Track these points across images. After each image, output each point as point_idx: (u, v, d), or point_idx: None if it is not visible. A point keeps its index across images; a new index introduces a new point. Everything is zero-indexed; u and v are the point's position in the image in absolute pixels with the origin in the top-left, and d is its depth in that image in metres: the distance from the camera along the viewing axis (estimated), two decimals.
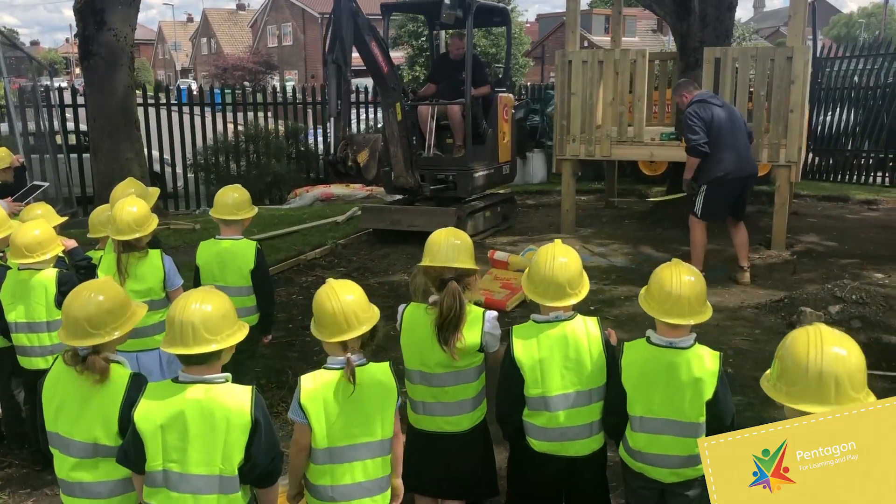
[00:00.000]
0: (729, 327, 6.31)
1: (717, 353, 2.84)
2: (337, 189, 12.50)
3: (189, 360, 2.56)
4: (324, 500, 2.81)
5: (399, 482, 2.99)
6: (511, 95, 10.28)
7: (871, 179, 13.24)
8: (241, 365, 4.65)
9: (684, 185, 7.48)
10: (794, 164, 8.32)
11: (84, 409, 2.70)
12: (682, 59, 9.91)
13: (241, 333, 2.63)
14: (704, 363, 2.78)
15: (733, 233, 7.53)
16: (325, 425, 2.73)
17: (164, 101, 13.84)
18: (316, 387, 2.74)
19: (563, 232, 9.50)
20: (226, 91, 15.76)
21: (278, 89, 15.44)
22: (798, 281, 7.43)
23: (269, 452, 2.59)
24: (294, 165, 14.32)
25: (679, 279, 2.79)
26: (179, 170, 13.71)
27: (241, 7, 64.19)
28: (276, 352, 5.98)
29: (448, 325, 3.06)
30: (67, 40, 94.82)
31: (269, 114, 14.91)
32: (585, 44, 33.77)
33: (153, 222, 4.27)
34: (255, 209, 4.70)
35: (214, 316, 2.54)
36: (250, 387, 2.60)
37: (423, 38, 28.12)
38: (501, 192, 10.75)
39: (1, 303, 4.15)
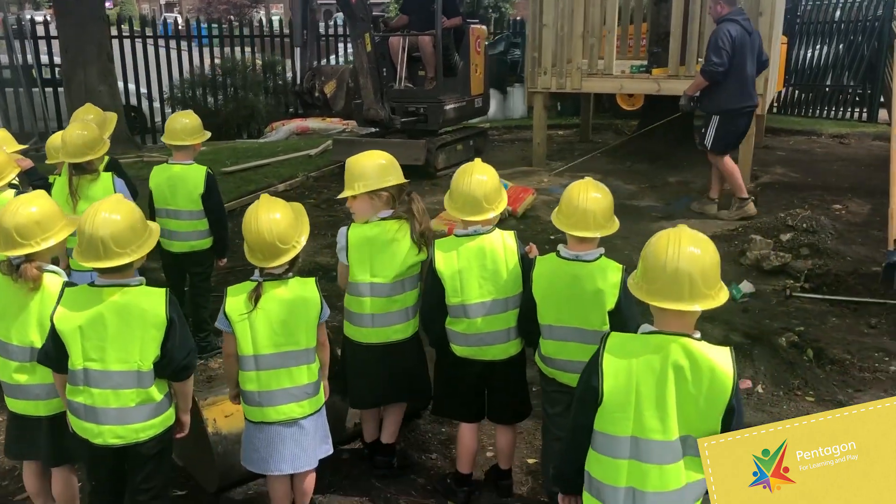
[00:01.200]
0: None
1: (620, 265, 3.00)
2: (313, 123, 12.50)
3: (102, 271, 2.71)
4: (252, 405, 3.01)
5: (326, 383, 3.19)
6: (483, 27, 10.24)
7: (848, 114, 13.31)
8: (196, 287, 4.86)
9: (682, 100, 7.35)
10: (760, 95, 8.38)
11: (20, 314, 2.87)
12: None
13: (150, 242, 2.76)
14: (607, 275, 2.94)
15: (722, 163, 7.44)
16: (248, 334, 2.91)
17: (149, 34, 13.70)
18: (238, 299, 2.91)
19: (535, 165, 9.61)
20: (212, 26, 15.60)
21: (264, 23, 15.29)
22: (758, 211, 7.58)
23: (183, 349, 2.76)
24: (272, 99, 14.26)
25: (586, 195, 2.93)
26: (157, 104, 13.67)
27: None
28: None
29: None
30: None
31: (256, 48, 14.80)
32: None
33: (104, 146, 4.37)
34: (207, 134, 4.77)
35: (122, 228, 2.66)
36: (164, 289, 2.76)
37: None
38: (474, 125, 10.80)
39: None
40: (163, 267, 4.97)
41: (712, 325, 4.97)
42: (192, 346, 2.84)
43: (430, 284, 3.25)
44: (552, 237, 6.98)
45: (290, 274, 3.00)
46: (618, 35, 10.94)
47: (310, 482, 3.17)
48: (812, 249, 6.28)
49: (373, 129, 9.65)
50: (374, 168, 3.30)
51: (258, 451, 3.04)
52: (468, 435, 3.43)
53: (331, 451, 3.19)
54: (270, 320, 2.92)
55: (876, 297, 5.42)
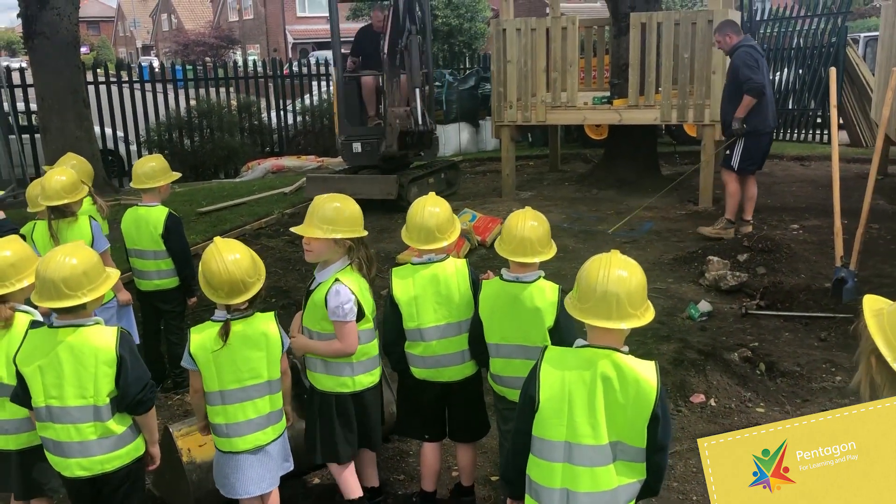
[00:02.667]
0: (646, 277, 6.71)
1: (557, 286, 3.21)
2: (288, 161, 12.74)
3: (58, 311, 2.89)
4: (221, 436, 3.20)
5: (289, 409, 3.37)
6: None
7: (810, 136, 13.73)
8: (168, 324, 5.02)
9: (735, 124, 7.36)
10: (717, 123, 8.70)
11: None
12: (614, 24, 10.23)
13: (105, 285, 2.93)
14: (545, 294, 3.16)
15: (747, 186, 7.69)
16: (214, 371, 3.09)
17: (125, 78, 13.93)
18: (202, 338, 3.09)
19: (504, 196, 9.87)
20: (187, 67, 15.87)
21: (239, 64, 15.63)
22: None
23: (137, 384, 2.92)
24: (248, 139, 14.51)
25: (524, 224, 3.15)
26: (135, 147, 13.86)
27: None
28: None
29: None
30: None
31: (231, 89, 15.09)
32: (547, 11, 33.73)
33: (82, 191, 4.56)
34: (174, 175, 4.94)
35: (76, 273, 2.83)
36: (116, 327, 2.96)
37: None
38: (446, 158, 11.07)
39: None
40: (139, 305, 5.14)
41: (668, 343, 5.19)
42: (147, 381, 2.98)
43: (388, 311, 3.45)
44: None
45: (252, 311, 3.17)
46: (581, 67, 11.34)
47: (275, 499, 3.33)
48: (768, 268, 6.54)
49: (346, 166, 9.91)
50: (344, 215, 3.28)
51: (227, 477, 3.21)
52: (431, 454, 3.61)
53: (291, 468, 3.37)
54: (234, 357, 3.09)
55: (826, 311, 5.66)
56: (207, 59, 38.07)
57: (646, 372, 2.38)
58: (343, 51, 9.59)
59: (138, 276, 4.98)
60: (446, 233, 3.38)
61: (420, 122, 8.34)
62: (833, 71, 6.00)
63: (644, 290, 2.46)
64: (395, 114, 8.59)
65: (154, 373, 5.05)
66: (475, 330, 3.34)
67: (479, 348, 3.36)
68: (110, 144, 13.56)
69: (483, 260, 7.45)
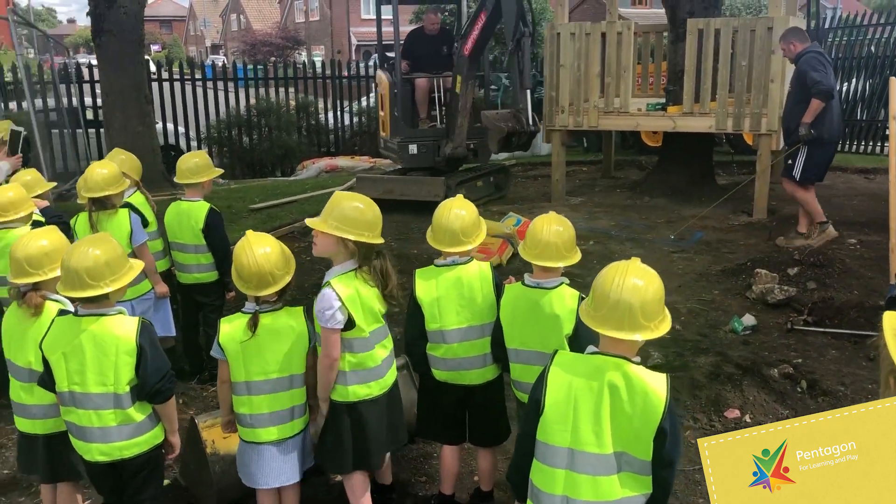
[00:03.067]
0: (690, 289, 6.58)
1: (577, 293, 3.16)
2: (342, 161, 12.89)
3: (81, 300, 2.97)
4: (245, 426, 3.24)
5: (314, 404, 3.36)
6: None
7: (878, 149, 13.27)
8: (206, 317, 5.12)
9: (802, 129, 7.14)
10: (774, 132, 8.48)
11: (23, 338, 3.15)
12: (671, 30, 10.06)
13: (128, 276, 3.01)
14: (565, 301, 3.11)
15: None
16: (241, 362, 3.13)
17: (188, 76, 14.31)
18: (232, 329, 3.14)
19: (554, 201, 9.79)
20: (248, 67, 16.22)
21: (306, 64, 15.92)
22: (771, 246, 7.64)
23: (156, 374, 2.98)
24: (304, 138, 14.72)
25: (549, 228, 3.11)
26: (195, 143, 14.21)
27: None
28: None
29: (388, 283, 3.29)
30: None
31: (292, 89, 15.36)
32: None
33: (123, 184, 4.68)
34: (216, 171, 5.01)
35: (98, 263, 2.91)
36: (138, 318, 3.02)
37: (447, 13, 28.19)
38: (496, 162, 11.03)
39: None
40: (180, 297, 5.26)
41: (707, 356, 5.07)
42: (166, 371, 3.03)
43: (411, 311, 3.45)
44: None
45: (280, 304, 3.20)
46: (638, 73, 11.19)
47: (295, 495, 3.36)
48: (819, 283, 6.33)
49: (397, 167, 9.96)
50: (357, 217, 3.14)
51: (248, 467, 3.26)
52: (450, 457, 3.60)
53: (313, 464, 3.39)
54: (261, 349, 3.13)
55: (879, 330, 5.44)
56: (273, 58, 38.85)
57: (655, 384, 2.32)
58: (388, 54, 9.68)
59: (179, 269, 5.10)
60: (471, 236, 3.36)
61: (531, 123, 8.29)
62: (893, 80, 5.77)
63: (660, 302, 2.40)
64: (500, 116, 8.49)
65: (192, 364, 5.23)
66: (497, 334, 3.32)
67: (500, 352, 3.34)
68: (173, 140, 13.94)
69: (526, 264, 7.39)
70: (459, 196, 3.47)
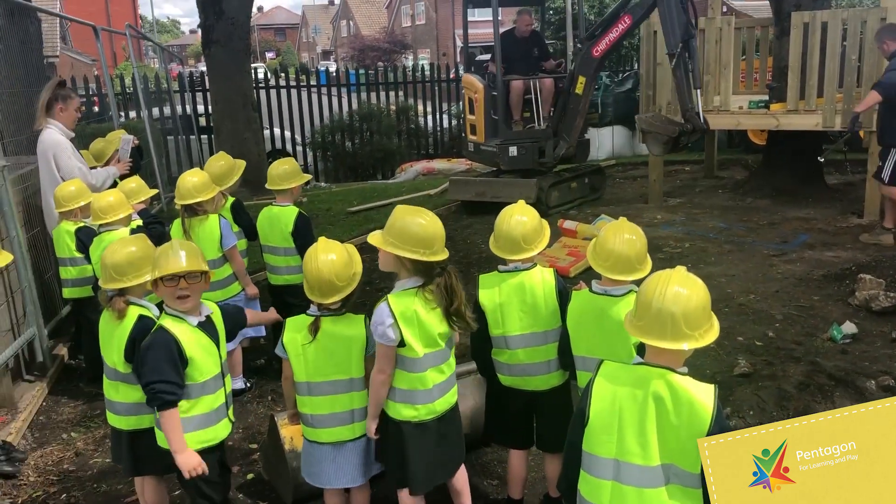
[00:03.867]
0: (789, 294, 6.31)
1: None
2: (438, 164, 13.04)
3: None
4: (307, 425, 3.36)
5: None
6: None
7: None
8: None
9: (851, 118, 7.26)
10: None
11: (110, 339, 3.39)
12: (776, 24, 9.67)
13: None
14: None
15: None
16: (302, 362, 3.25)
17: (303, 83, 14.89)
18: (295, 329, 3.25)
19: (651, 202, 9.60)
20: (365, 72, 16.71)
21: (408, 68, 16.26)
22: (881, 250, 7.24)
23: (143, 378, 3.10)
24: (405, 142, 14.99)
25: (619, 238, 3.06)
26: (300, 148, 14.75)
27: None
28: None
29: (455, 305, 3.16)
30: None
31: (400, 92, 15.72)
32: (724, 10, 32.22)
33: (212, 190, 4.92)
34: (305, 177, 5.20)
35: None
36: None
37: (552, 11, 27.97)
38: (591, 163, 10.91)
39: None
40: (271, 298, 5.48)
41: (798, 365, 4.86)
42: (157, 381, 3.02)
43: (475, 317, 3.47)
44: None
45: (344, 310, 3.29)
46: (742, 69, 10.81)
47: (363, 498, 3.44)
48: None
49: (491, 169, 9.99)
50: (415, 233, 3.07)
51: (311, 466, 3.38)
52: (517, 462, 3.61)
53: (377, 472, 3.44)
54: (321, 352, 3.23)
55: None
56: (380, 63, 39.65)
57: (701, 395, 2.27)
58: (481, 56, 9.70)
59: (270, 271, 5.31)
60: (533, 243, 3.36)
61: (703, 122, 8.22)
62: None
63: (704, 310, 2.34)
64: (658, 117, 8.47)
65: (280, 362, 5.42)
66: (563, 341, 3.30)
67: (567, 359, 3.32)
68: (280, 145, 14.48)
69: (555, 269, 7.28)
70: (521, 202, 3.48)
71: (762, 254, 7.40)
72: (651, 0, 8.10)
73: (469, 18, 10.83)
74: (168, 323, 3.11)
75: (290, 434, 3.83)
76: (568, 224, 7.77)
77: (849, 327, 5.48)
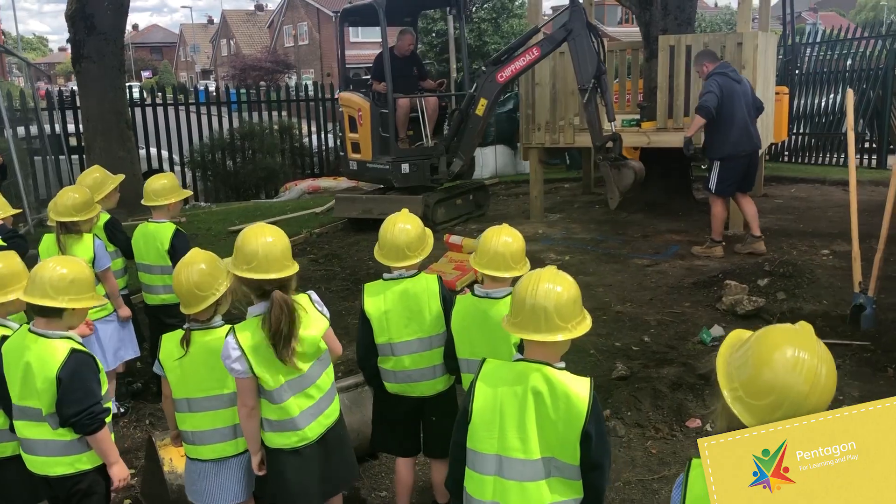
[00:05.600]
0: (662, 301, 6.62)
1: None
2: (324, 182, 12.96)
3: (35, 311, 3.06)
4: (188, 442, 3.26)
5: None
6: None
7: (857, 161, 13.37)
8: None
9: (684, 143, 7.68)
10: None
11: None
12: (645, 47, 10.17)
13: (86, 303, 3.06)
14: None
15: (743, 205, 7.84)
16: (180, 378, 3.17)
17: (180, 101, 14.46)
18: (170, 345, 3.17)
19: (532, 218, 9.85)
20: (246, 91, 16.38)
21: (291, 87, 16.10)
22: (744, 258, 7.70)
23: (70, 408, 2.99)
24: (288, 160, 14.81)
25: (498, 239, 3.16)
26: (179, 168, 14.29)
27: (259, 8, 64.95)
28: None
29: (281, 338, 2.95)
30: None
31: (285, 112, 15.52)
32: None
33: (93, 210, 4.73)
34: (184, 193, 5.07)
35: (64, 278, 3.01)
36: (69, 348, 3.03)
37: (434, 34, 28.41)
38: (475, 180, 11.11)
39: None
40: (147, 318, 5.28)
41: (671, 367, 5.10)
42: (87, 406, 3.00)
43: (361, 325, 3.49)
44: None
45: (218, 321, 3.22)
46: (616, 90, 11.29)
47: None
48: (788, 294, 6.38)
49: (378, 186, 10.01)
50: (244, 253, 2.94)
51: (192, 484, 3.27)
52: (404, 469, 3.62)
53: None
54: (199, 366, 3.15)
55: (842, 338, 5.49)
56: (262, 83, 39.09)
57: (577, 388, 2.36)
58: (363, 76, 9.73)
59: (146, 290, 5.13)
60: (416, 250, 3.40)
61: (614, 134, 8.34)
62: (850, 93, 5.85)
63: (575, 304, 2.44)
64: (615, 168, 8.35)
65: (158, 384, 5.23)
66: (448, 345, 3.36)
67: (452, 364, 3.37)
68: (157, 164, 14.01)
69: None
70: (405, 210, 3.53)
71: (636, 264, 7.73)
72: (562, 35, 8.39)
73: (352, 39, 10.89)
74: (75, 344, 3.06)
75: (169, 455, 3.70)
76: (454, 239, 7.88)
77: (717, 330, 5.79)
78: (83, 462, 3.11)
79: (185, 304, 3.16)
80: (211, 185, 13.95)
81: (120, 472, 3.18)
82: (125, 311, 4.95)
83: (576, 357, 5.49)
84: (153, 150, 14.03)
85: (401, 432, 3.58)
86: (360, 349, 3.55)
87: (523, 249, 3.23)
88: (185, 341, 3.15)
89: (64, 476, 3.07)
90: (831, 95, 13.85)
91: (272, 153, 14.30)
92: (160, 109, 14.11)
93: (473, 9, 24.59)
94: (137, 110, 13.74)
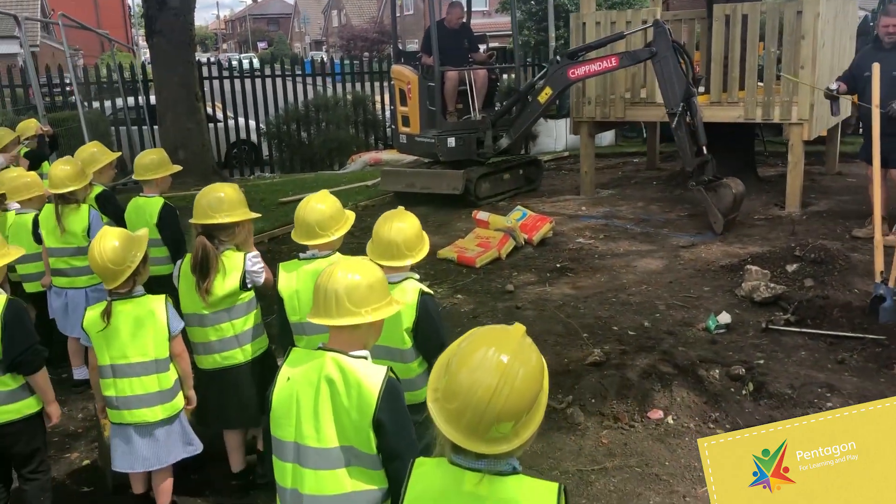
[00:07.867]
0: (682, 284, 6.37)
1: (419, 287, 3.14)
2: (385, 154, 13.04)
3: None
4: (112, 407, 3.40)
5: (191, 393, 3.52)
6: None
7: None
8: None
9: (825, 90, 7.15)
10: (805, 122, 8.06)
11: None
12: (707, 17, 9.66)
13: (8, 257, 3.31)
14: (405, 296, 3.09)
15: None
16: (104, 346, 3.31)
17: (289, 72, 15.03)
18: (93, 315, 3.32)
19: (583, 193, 9.64)
20: (345, 62, 16.66)
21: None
22: (790, 240, 7.26)
23: (17, 347, 3.20)
24: (362, 132, 15.00)
25: (390, 226, 3.12)
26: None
27: None
28: None
29: (197, 272, 3.60)
30: (217, 17, 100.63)
31: (385, 83, 15.74)
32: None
33: (85, 178, 4.97)
34: (173, 168, 5.22)
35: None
36: (6, 296, 3.24)
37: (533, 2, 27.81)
38: (527, 155, 10.94)
39: None
40: None
41: (651, 355, 4.91)
42: (30, 345, 3.25)
43: (276, 303, 3.54)
44: (558, 265, 7.05)
45: (140, 291, 3.36)
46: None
47: (166, 483, 3.50)
48: (817, 281, 6.00)
49: (425, 160, 10.00)
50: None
51: (116, 450, 3.43)
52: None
53: (197, 451, 3.52)
54: (120, 334, 3.31)
55: (857, 331, 5.13)
56: (366, 53, 39.60)
57: (369, 377, 2.32)
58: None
59: None
60: (328, 230, 3.40)
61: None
62: (876, 67, 5.38)
63: (371, 291, 2.41)
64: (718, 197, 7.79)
65: None
66: None
67: None
68: (245, 135, 14.55)
69: (527, 258, 7.33)
70: (324, 191, 3.54)
71: (671, 245, 7.45)
72: (645, 55, 8.10)
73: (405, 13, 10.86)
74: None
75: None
76: (481, 215, 7.82)
77: (724, 317, 5.53)
78: (30, 405, 3.35)
79: (105, 279, 3.33)
80: (286, 156, 14.32)
81: (56, 410, 3.46)
82: None
83: (563, 340, 5.38)
84: (243, 121, 14.50)
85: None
86: (276, 328, 3.60)
87: (419, 233, 3.19)
88: (106, 314, 3.30)
89: (10, 422, 3.29)
90: None
91: (344, 125, 14.49)
92: (266, 80, 14.61)
93: None
94: (236, 82, 14.25)
